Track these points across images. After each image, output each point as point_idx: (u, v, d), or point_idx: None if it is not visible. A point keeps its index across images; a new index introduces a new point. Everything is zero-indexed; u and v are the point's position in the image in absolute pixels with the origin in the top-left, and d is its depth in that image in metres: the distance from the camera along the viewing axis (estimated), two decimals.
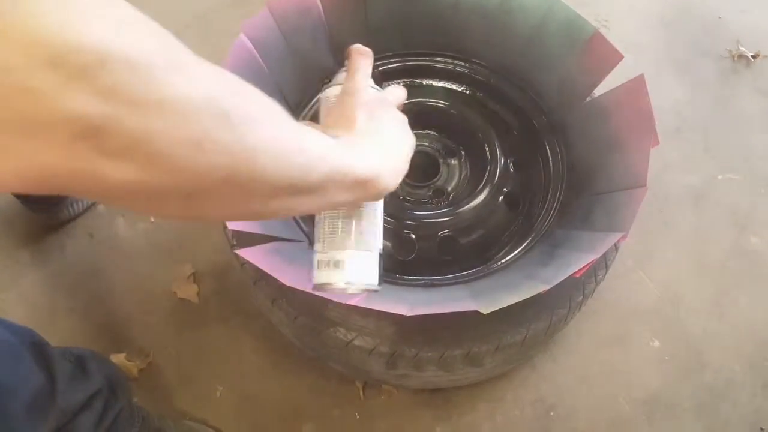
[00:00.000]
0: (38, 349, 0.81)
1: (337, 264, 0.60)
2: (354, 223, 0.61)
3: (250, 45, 0.94)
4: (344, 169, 0.49)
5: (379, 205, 0.64)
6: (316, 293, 0.61)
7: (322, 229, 0.61)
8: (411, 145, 0.66)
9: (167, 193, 0.33)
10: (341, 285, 0.59)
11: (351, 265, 0.59)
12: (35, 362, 0.79)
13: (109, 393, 0.90)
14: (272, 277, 0.72)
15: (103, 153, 0.28)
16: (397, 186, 0.60)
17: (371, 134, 0.61)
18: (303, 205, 0.46)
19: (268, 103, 0.40)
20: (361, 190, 0.53)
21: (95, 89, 0.27)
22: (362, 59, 0.70)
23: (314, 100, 1.07)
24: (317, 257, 0.61)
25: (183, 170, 0.32)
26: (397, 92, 0.75)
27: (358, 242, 0.60)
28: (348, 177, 0.50)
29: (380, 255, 0.61)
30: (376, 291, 0.60)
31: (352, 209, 0.61)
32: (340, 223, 0.61)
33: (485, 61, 1.09)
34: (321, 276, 0.60)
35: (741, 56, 1.51)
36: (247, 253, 0.76)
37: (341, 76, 0.68)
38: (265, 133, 0.37)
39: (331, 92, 0.67)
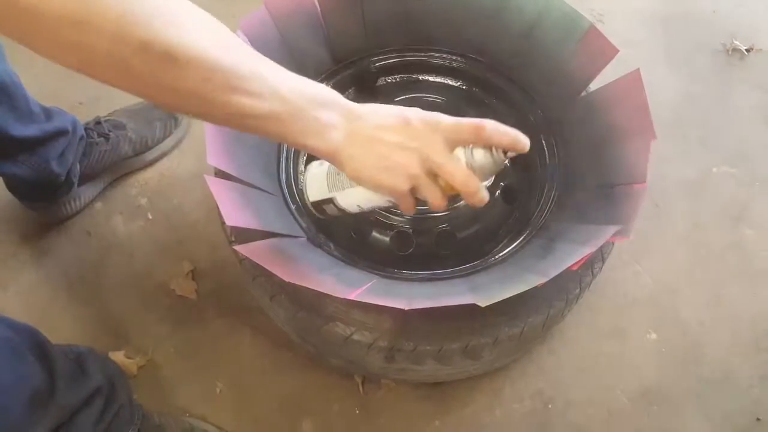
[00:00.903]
0: (39, 347, 0.82)
1: (321, 164, 0.80)
2: (342, 178, 0.76)
3: (246, 42, 0.95)
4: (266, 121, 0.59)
5: (367, 197, 0.75)
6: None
7: None
8: (386, 182, 0.65)
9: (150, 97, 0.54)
10: (306, 176, 0.82)
11: (315, 179, 0.80)
12: (36, 360, 0.79)
13: (108, 391, 0.91)
14: (271, 273, 0.72)
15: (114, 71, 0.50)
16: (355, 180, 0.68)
17: (367, 133, 0.64)
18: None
19: (236, 57, 0.55)
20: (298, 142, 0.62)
21: (133, 49, 0.48)
22: (473, 128, 0.66)
23: None
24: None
25: (156, 89, 0.53)
26: (477, 168, 0.67)
27: (332, 182, 0.77)
28: (267, 128, 0.60)
29: (333, 202, 0.78)
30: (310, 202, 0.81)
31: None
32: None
33: (481, 56, 1.09)
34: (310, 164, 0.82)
35: (735, 50, 1.52)
36: (246, 249, 0.76)
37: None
38: (192, 80, 0.52)
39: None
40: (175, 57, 0.50)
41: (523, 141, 0.67)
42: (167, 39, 0.50)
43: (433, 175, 0.66)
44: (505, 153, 0.67)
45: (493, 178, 0.71)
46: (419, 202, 0.71)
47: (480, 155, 0.67)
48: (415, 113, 0.65)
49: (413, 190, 0.67)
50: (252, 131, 0.60)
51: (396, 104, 1.07)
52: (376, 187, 0.67)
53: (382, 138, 0.64)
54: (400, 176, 0.65)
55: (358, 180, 0.67)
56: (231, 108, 0.56)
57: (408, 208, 0.71)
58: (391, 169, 0.64)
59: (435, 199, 0.67)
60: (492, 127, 0.65)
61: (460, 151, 0.67)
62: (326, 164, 0.79)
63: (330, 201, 0.78)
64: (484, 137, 0.65)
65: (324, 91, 0.63)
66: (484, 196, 0.68)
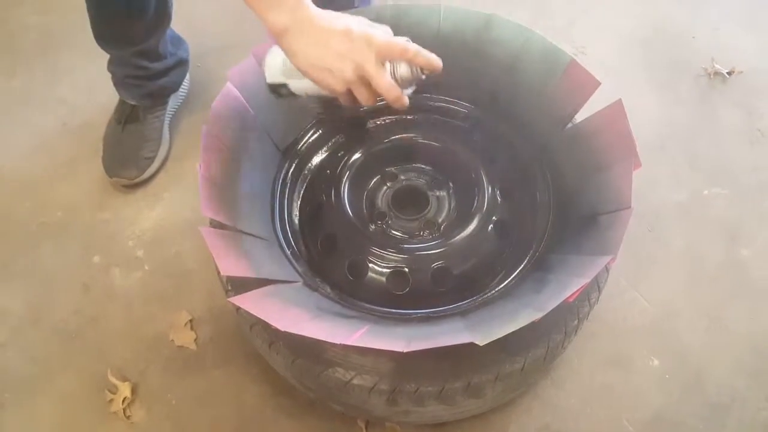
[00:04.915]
0: None
1: (274, 56, 0.87)
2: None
3: (236, 92, 0.97)
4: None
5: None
6: None
7: None
8: (326, 81, 0.78)
9: None
10: (267, 58, 0.88)
11: (272, 65, 0.87)
12: None
13: None
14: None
15: None
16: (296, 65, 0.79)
17: (315, 32, 0.75)
18: None
19: None
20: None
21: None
22: (401, 50, 0.77)
23: (303, 140, 1.10)
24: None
25: None
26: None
27: (287, 68, 0.84)
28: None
29: (286, 87, 0.87)
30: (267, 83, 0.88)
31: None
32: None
33: (467, 92, 1.11)
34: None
35: (717, 73, 1.55)
36: (242, 300, 0.76)
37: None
38: None
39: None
40: None
41: (436, 63, 0.80)
42: None
43: (366, 82, 0.78)
44: (422, 70, 0.80)
45: (414, 88, 0.85)
46: None
47: (403, 69, 0.80)
48: (358, 26, 0.77)
49: (349, 91, 0.79)
50: None
51: (386, 144, 1.11)
52: (317, 82, 0.80)
53: (326, 42, 0.75)
54: (338, 79, 0.77)
55: (303, 72, 0.79)
56: None
57: (346, 102, 0.82)
58: (329, 71, 0.77)
59: (366, 100, 0.80)
60: (414, 50, 0.78)
61: (387, 64, 0.79)
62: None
63: (284, 86, 0.87)
64: (408, 57, 0.78)
65: None
66: (405, 102, 0.81)
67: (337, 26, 0.76)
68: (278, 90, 0.88)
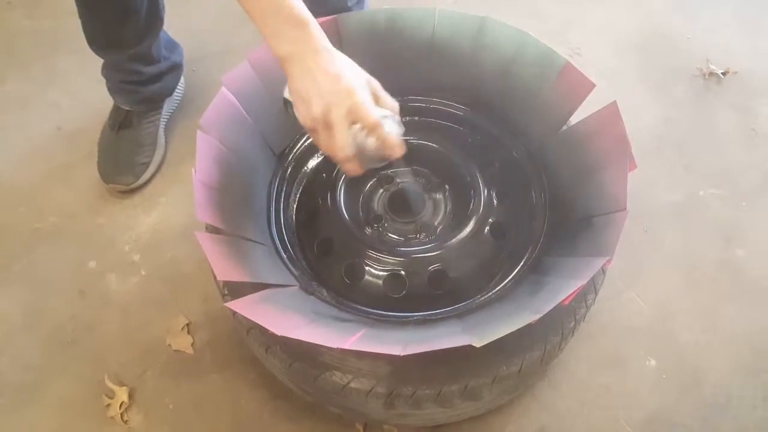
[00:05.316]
0: None
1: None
2: None
3: (231, 96, 0.97)
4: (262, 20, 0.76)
5: None
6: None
7: None
8: (298, 109, 0.80)
9: None
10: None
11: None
12: None
13: None
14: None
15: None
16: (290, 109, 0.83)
17: (313, 68, 0.76)
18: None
19: None
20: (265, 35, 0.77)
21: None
22: (373, 124, 0.77)
23: (299, 144, 1.10)
24: None
25: None
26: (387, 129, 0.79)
27: None
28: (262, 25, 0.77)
29: (292, 107, 0.83)
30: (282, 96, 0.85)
31: None
32: None
33: (462, 95, 1.12)
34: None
35: (712, 74, 1.55)
36: (238, 305, 0.76)
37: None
38: None
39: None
40: None
41: (395, 153, 0.82)
42: None
43: (329, 129, 0.78)
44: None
45: (381, 164, 0.86)
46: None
47: (369, 142, 0.80)
48: (352, 74, 0.78)
49: (314, 130, 0.80)
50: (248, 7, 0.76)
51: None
52: (295, 108, 0.81)
53: (315, 78, 0.76)
54: (305, 112, 0.78)
55: (291, 94, 0.81)
56: None
57: (316, 142, 0.83)
58: (305, 102, 0.78)
59: (323, 145, 0.81)
60: (385, 132, 0.79)
61: (358, 127, 0.78)
62: None
63: (291, 104, 0.85)
64: (376, 133, 0.79)
65: (305, 13, 0.77)
66: (353, 169, 0.83)
67: (334, 67, 0.77)
68: (287, 106, 0.87)
